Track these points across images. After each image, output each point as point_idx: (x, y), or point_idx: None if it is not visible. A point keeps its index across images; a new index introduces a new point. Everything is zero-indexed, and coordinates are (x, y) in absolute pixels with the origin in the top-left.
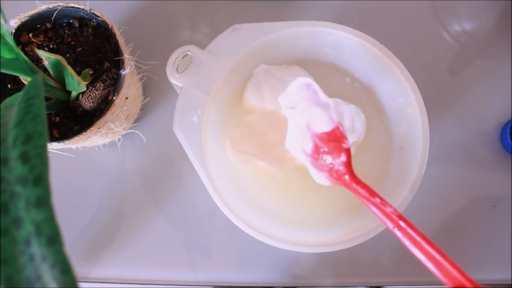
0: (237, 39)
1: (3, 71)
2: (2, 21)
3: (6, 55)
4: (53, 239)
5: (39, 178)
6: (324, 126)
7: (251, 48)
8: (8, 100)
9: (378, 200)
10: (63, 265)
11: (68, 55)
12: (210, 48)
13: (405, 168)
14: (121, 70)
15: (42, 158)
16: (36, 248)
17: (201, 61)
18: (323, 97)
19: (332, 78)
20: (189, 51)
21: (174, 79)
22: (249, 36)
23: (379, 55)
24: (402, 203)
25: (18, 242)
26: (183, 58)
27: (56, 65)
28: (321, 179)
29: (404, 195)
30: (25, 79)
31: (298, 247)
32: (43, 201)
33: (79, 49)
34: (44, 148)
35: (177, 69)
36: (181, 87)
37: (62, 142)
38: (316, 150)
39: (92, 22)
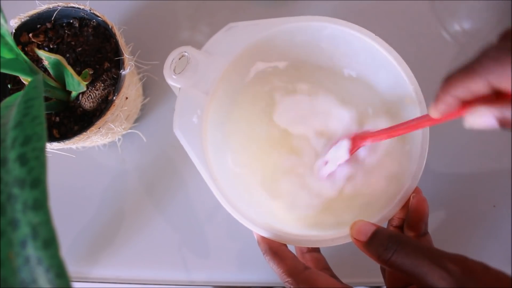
0: (232, 38)
1: (3, 71)
2: (2, 21)
3: (6, 55)
4: (49, 243)
5: (36, 180)
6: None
7: (247, 46)
8: (8, 100)
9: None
10: (58, 268)
11: (68, 55)
12: (206, 47)
13: (405, 167)
14: (121, 70)
15: (40, 160)
16: (32, 251)
17: (198, 61)
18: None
19: (328, 73)
20: (185, 52)
21: (172, 81)
22: (244, 34)
23: (376, 47)
24: (401, 202)
25: (14, 244)
26: (180, 59)
27: (56, 65)
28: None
29: (403, 194)
30: (25, 79)
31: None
32: (40, 204)
33: (79, 49)
34: (42, 150)
35: (174, 70)
36: (180, 89)
37: (62, 142)
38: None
39: (92, 22)
